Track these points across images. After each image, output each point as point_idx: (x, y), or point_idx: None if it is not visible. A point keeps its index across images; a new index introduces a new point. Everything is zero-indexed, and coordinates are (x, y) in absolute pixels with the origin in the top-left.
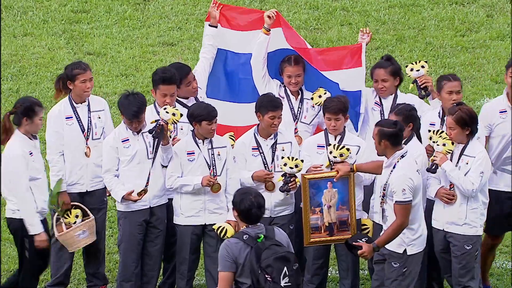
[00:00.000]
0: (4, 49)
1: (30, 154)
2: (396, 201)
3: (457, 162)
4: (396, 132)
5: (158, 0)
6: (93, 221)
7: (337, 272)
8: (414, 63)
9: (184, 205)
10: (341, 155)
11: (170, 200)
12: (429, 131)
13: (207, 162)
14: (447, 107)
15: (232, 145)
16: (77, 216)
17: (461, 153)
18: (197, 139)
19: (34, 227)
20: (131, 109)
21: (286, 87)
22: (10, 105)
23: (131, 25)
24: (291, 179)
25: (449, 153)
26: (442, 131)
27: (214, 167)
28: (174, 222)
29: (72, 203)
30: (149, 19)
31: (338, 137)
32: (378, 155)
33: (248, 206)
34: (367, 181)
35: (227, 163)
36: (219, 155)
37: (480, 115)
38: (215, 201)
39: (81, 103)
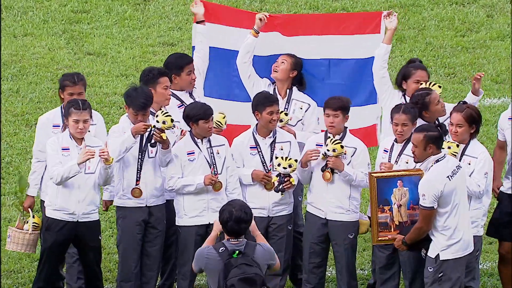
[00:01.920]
0: (4, 49)
1: (65, 149)
2: (419, 204)
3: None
4: (441, 135)
5: (158, 0)
6: (22, 234)
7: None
8: (281, 158)
9: (187, 205)
10: (334, 150)
11: (168, 201)
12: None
13: (207, 161)
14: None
15: (220, 123)
16: (26, 222)
17: (463, 153)
18: (196, 139)
19: (73, 165)
20: (139, 100)
21: (276, 86)
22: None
23: (131, 25)
24: (285, 179)
25: (455, 155)
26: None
27: (214, 165)
28: (176, 224)
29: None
30: (149, 19)
31: (338, 137)
32: (415, 162)
33: (226, 218)
34: (363, 183)
35: (227, 161)
36: (218, 153)
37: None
38: (217, 199)
39: None
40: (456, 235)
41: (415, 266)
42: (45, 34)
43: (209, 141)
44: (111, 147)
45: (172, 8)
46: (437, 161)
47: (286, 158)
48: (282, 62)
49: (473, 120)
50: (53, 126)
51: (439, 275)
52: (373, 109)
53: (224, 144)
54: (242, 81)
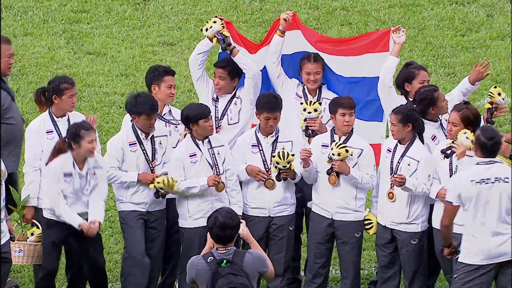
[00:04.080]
0: None
1: (66, 175)
2: None
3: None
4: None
5: (158, 0)
6: (36, 247)
7: (338, 271)
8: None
9: (192, 207)
10: (338, 154)
11: (169, 201)
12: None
13: (209, 163)
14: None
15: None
16: (32, 234)
17: None
18: (197, 140)
19: (74, 222)
20: (148, 103)
21: (305, 86)
22: None
23: (131, 25)
24: (281, 170)
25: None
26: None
27: (216, 166)
28: (181, 226)
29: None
30: (149, 19)
31: (343, 138)
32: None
33: (211, 224)
34: (368, 185)
35: (226, 162)
36: (218, 153)
37: None
38: (221, 200)
39: (62, 118)
40: (471, 242)
41: (415, 266)
42: (45, 34)
43: (209, 142)
44: (108, 160)
45: (172, 8)
46: (478, 164)
47: (284, 154)
48: (318, 73)
49: (469, 122)
50: (47, 132)
51: (454, 276)
52: (378, 126)
53: (224, 145)
54: (271, 81)
